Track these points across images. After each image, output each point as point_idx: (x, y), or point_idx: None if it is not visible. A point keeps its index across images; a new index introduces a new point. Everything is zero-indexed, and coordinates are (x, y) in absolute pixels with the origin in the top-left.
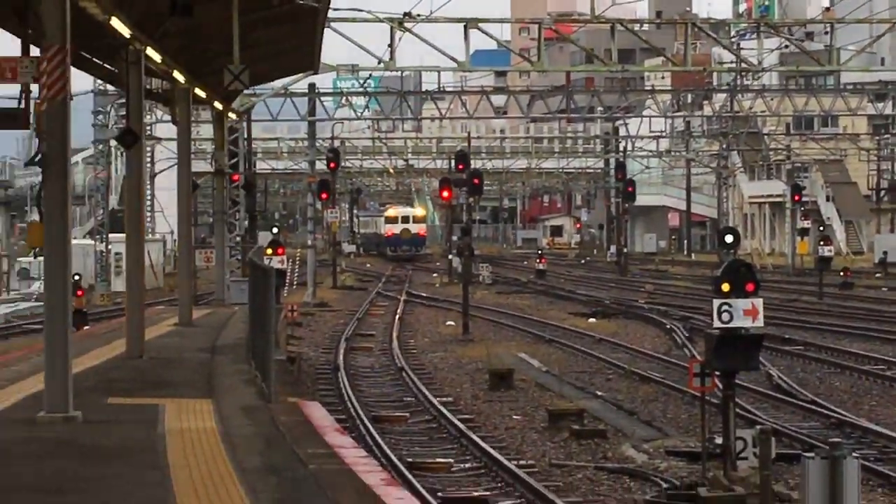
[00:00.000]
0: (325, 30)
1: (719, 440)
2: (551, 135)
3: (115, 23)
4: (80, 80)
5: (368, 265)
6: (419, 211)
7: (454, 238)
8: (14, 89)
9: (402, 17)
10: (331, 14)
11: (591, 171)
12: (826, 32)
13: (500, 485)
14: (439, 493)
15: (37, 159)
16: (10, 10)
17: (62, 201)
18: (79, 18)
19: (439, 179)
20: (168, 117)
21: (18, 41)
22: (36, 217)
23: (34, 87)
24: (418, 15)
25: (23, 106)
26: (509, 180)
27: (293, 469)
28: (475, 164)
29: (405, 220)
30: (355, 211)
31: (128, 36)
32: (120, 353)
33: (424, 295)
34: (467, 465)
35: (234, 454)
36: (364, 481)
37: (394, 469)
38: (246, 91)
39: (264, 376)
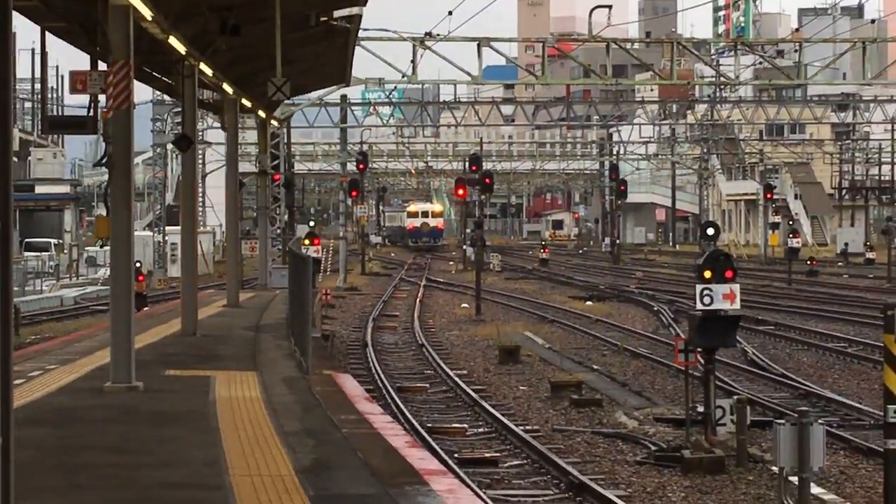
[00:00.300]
0: (356, 47)
1: (701, 408)
2: (553, 140)
3: (173, 41)
4: (141, 92)
5: (393, 254)
6: (437, 207)
7: (468, 230)
8: (83, 99)
9: (423, 36)
10: (361, 33)
11: (588, 172)
12: (795, 50)
13: (508, 447)
14: (455, 455)
15: (104, 161)
16: (80, 29)
17: (126, 197)
18: (141, 37)
19: (455, 179)
20: (217, 124)
21: (87, 57)
22: (102, 212)
23: (101, 98)
24: (437, 34)
25: (91, 114)
26: (516, 180)
27: (328, 432)
28: (486, 165)
29: (425, 214)
30: (381, 207)
31: (183, 52)
32: (176, 331)
33: (442, 281)
34: (480, 430)
35: (276, 419)
36: (390, 443)
37: (415, 433)
38: (286, 101)
39: (302, 351)
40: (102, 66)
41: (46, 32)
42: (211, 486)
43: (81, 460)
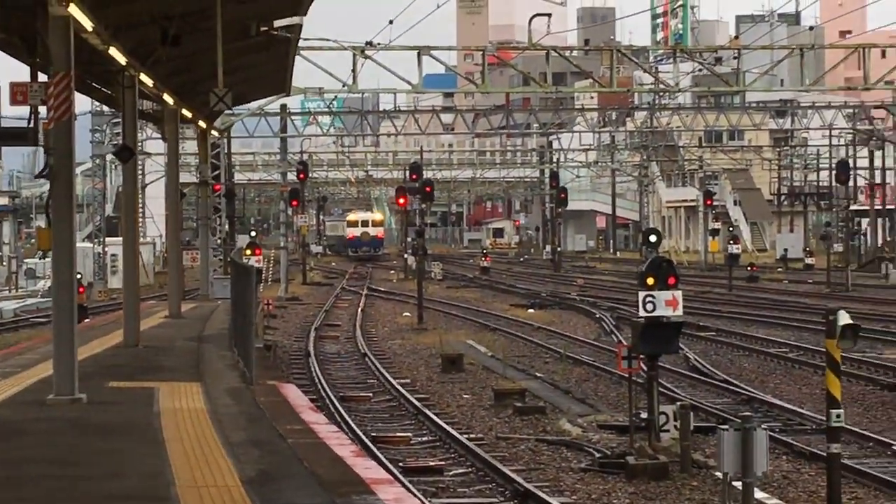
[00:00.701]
0: (296, 57)
1: (644, 415)
2: (493, 148)
3: (113, 51)
4: (80, 102)
5: (334, 264)
6: (377, 216)
7: (409, 239)
8: (21, 111)
9: (363, 45)
10: (301, 43)
11: (529, 179)
12: (734, 58)
13: (453, 455)
14: (400, 464)
15: (45, 172)
16: (20, 40)
17: (68, 209)
18: (81, 48)
19: (395, 188)
20: (157, 135)
21: (22, 67)
22: (42, 223)
23: (41, 109)
24: (378, 44)
25: (32, 126)
26: (457, 188)
27: (274, 442)
28: (427, 174)
29: (364, 223)
30: (322, 216)
31: (123, 63)
32: (118, 343)
33: (383, 290)
34: (424, 439)
35: (221, 430)
36: (336, 453)
37: (360, 443)
38: (227, 111)
39: (246, 362)
40: (42, 77)
41: None
42: (157, 497)
43: (25, 473)
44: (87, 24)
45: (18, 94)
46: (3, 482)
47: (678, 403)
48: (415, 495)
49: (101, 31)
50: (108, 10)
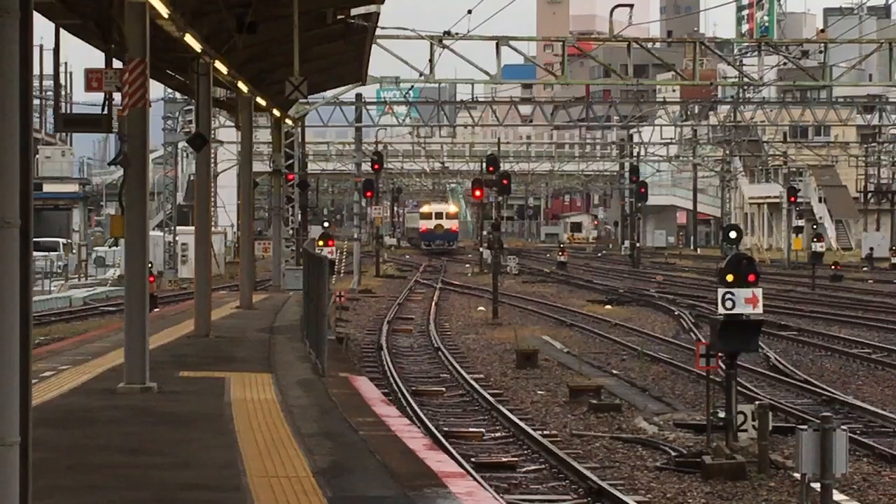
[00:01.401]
0: (373, 46)
1: (722, 414)
2: (572, 141)
3: (188, 38)
4: (153, 89)
5: (407, 256)
6: (452, 208)
7: (484, 233)
8: (90, 97)
9: (441, 35)
10: (378, 32)
11: (608, 173)
12: (820, 51)
13: (526, 451)
14: (472, 459)
15: (119, 159)
16: (95, 27)
17: (142, 196)
18: (155, 34)
19: (472, 180)
20: (229, 123)
21: (90, 53)
22: (113, 211)
23: (115, 95)
24: (456, 33)
25: (106, 112)
26: (534, 181)
27: (346, 434)
28: (504, 166)
29: (439, 216)
30: (396, 208)
31: (199, 50)
32: (189, 333)
33: (458, 283)
34: (497, 435)
35: (292, 421)
36: (408, 446)
37: (431, 437)
38: (301, 100)
39: (318, 353)
40: (117, 63)
41: (60, 30)
42: (228, 487)
43: (96, 461)
44: (164, 10)
45: (94, 80)
46: (74, 468)
47: (757, 403)
48: (487, 490)
49: (176, 17)
50: None
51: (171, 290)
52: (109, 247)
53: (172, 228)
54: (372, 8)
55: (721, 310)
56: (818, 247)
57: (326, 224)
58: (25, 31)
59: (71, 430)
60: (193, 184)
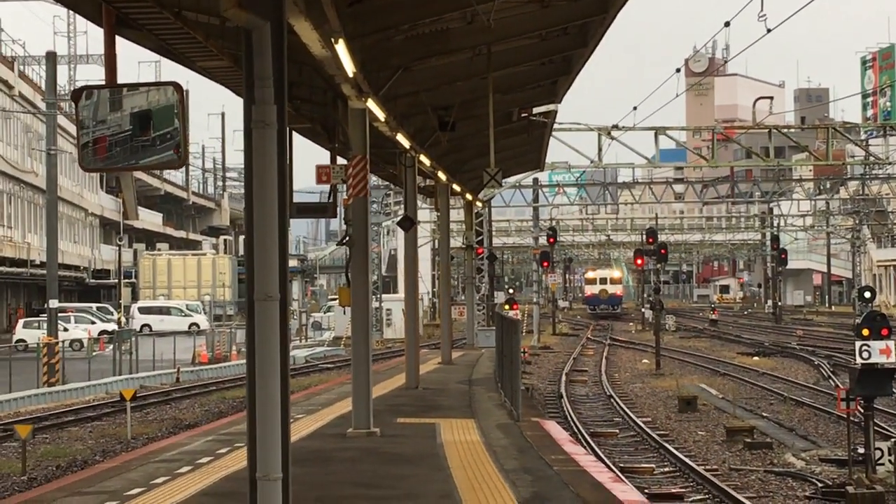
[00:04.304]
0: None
1: (861, 450)
2: (720, 214)
3: (400, 137)
4: None
5: (579, 317)
6: (616, 273)
7: (645, 295)
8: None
9: (609, 127)
10: (555, 125)
11: (751, 242)
12: None
13: (692, 484)
14: (645, 490)
15: (346, 240)
16: (322, 129)
17: (364, 270)
18: (371, 133)
19: (634, 250)
20: (423, 205)
21: (313, 152)
22: (324, 282)
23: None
24: (623, 126)
25: (331, 200)
26: (687, 250)
27: (542, 470)
28: (661, 237)
29: (603, 281)
30: (567, 275)
31: (407, 146)
32: (400, 385)
33: (623, 339)
34: (666, 469)
35: (496, 459)
36: (596, 479)
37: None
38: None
39: (512, 401)
40: (340, 160)
41: (294, 133)
42: None
43: (337, 493)
44: (381, 114)
45: (323, 174)
46: (321, 499)
47: (892, 440)
48: None
49: (389, 120)
50: (395, 102)
51: (379, 349)
52: (324, 313)
53: (379, 296)
54: (551, 106)
55: (858, 359)
56: None
57: (511, 290)
58: (283, 139)
59: (313, 468)
60: (392, 258)
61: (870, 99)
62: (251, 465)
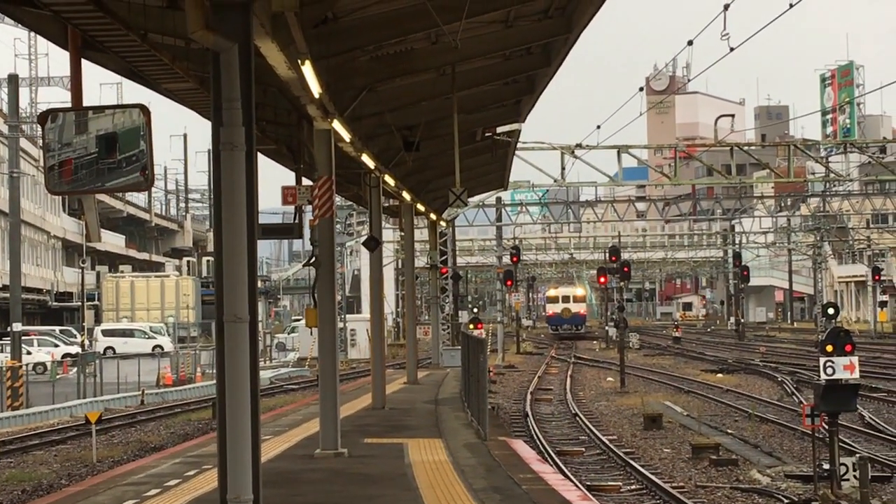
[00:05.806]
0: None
1: (826, 466)
2: (682, 232)
3: (364, 157)
4: None
5: (542, 336)
6: (579, 290)
7: (609, 313)
8: (267, 206)
9: (573, 146)
10: (518, 144)
11: (713, 259)
12: None
13: (658, 501)
14: None
15: (312, 261)
16: (287, 150)
17: (331, 291)
18: (336, 154)
19: (597, 269)
20: (386, 225)
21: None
22: (287, 303)
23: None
24: (586, 145)
25: (297, 221)
26: (650, 268)
27: (511, 489)
28: (623, 256)
29: (566, 299)
30: (530, 294)
31: (372, 167)
32: (367, 405)
33: (588, 357)
34: (633, 487)
35: (464, 478)
36: (565, 497)
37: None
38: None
39: (479, 420)
40: (305, 181)
41: (258, 154)
42: None
43: None
44: (346, 135)
45: (289, 195)
46: None
47: (857, 455)
48: None
49: (354, 140)
50: (360, 123)
51: (344, 369)
52: (288, 333)
53: (343, 316)
54: (515, 126)
55: (823, 376)
56: None
57: (476, 310)
58: (251, 161)
59: (282, 489)
60: (356, 278)
61: (829, 116)
62: (222, 486)
